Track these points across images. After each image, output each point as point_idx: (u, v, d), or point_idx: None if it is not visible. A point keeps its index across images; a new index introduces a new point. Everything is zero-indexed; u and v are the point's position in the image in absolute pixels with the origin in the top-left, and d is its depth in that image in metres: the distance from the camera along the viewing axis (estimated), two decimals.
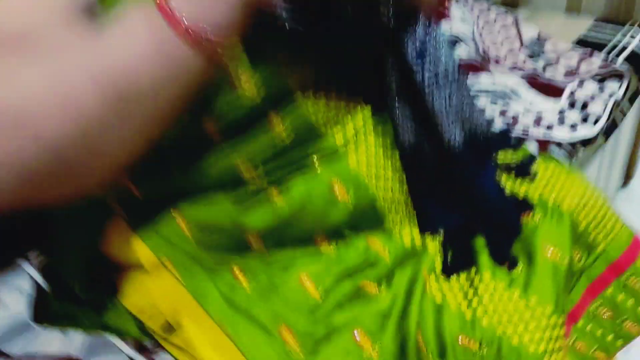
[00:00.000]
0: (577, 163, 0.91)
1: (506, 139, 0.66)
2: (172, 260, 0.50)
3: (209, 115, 0.45)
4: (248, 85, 0.44)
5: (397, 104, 0.55)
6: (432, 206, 0.56)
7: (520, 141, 0.67)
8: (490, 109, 0.95)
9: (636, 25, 1.18)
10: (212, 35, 0.34)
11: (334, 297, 0.51)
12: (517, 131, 0.90)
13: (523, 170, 0.63)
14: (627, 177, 1.40)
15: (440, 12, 0.59)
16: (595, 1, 1.26)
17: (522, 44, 1.14)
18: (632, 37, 1.15)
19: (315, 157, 0.51)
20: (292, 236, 0.52)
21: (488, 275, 0.53)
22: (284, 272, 0.52)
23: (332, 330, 0.49)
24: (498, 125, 0.91)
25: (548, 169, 0.63)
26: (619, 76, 1.03)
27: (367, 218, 0.54)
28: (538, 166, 0.63)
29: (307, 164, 0.51)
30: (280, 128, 0.49)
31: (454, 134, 0.55)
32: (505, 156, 0.64)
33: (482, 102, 0.97)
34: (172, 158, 0.47)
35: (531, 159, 0.64)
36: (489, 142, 0.59)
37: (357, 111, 0.55)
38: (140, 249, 0.50)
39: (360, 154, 0.54)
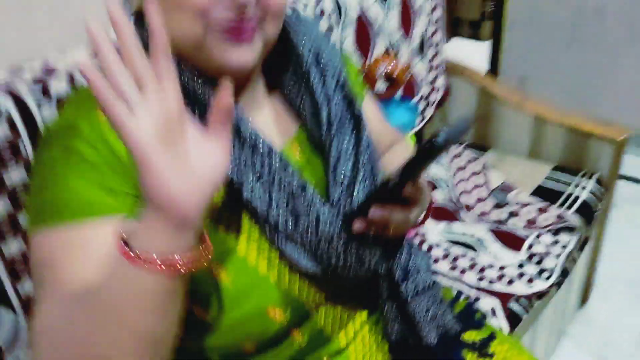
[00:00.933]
0: (534, 311, 1.08)
1: (474, 315, 0.83)
2: None
3: (247, 338, 0.61)
4: (279, 314, 0.61)
5: (386, 310, 0.72)
6: None
7: (484, 317, 0.84)
8: (463, 262, 1.12)
9: (586, 176, 1.39)
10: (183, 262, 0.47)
11: None
12: (484, 287, 1.06)
13: (483, 348, 0.79)
14: (584, 299, 1.58)
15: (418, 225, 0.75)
16: (553, 149, 1.47)
17: (489, 192, 1.33)
18: (583, 188, 1.34)
19: (325, 358, 0.68)
20: None
21: None
22: None
23: None
24: (469, 277, 1.08)
25: (503, 348, 0.80)
26: (571, 229, 1.22)
27: None
28: (495, 347, 0.79)
29: None
30: (300, 339, 0.65)
31: (430, 336, 0.72)
32: (470, 335, 0.80)
33: (455, 251, 1.15)
34: None
35: (490, 338, 0.80)
36: (457, 340, 0.76)
37: (357, 316, 0.71)
38: None
39: (358, 351, 0.71)
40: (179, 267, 0.47)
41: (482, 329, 0.82)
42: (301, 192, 0.62)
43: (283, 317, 0.62)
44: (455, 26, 3.87)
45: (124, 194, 0.56)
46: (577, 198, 1.32)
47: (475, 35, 3.86)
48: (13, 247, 0.72)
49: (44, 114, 0.73)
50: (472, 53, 3.28)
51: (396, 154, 0.87)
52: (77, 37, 0.82)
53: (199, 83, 0.60)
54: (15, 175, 0.71)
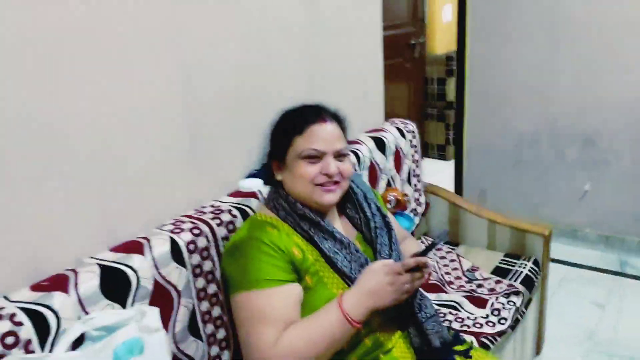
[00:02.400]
0: (496, 345, 1.67)
1: (459, 338, 1.44)
2: None
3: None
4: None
5: (410, 329, 1.32)
6: None
7: (464, 341, 1.44)
8: (450, 317, 1.72)
9: (527, 259, 2.04)
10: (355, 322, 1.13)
11: None
12: (463, 329, 1.66)
13: (467, 354, 1.39)
14: (538, 348, 2.17)
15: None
16: (503, 242, 2.13)
17: (462, 272, 1.97)
18: (525, 267, 1.99)
19: (381, 355, 1.26)
20: None
21: None
22: None
23: None
24: (454, 325, 1.68)
25: (481, 355, 1.39)
26: (518, 292, 1.84)
27: None
28: (474, 354, 1.39)
29: None
30: (368, 343, 1.25)
31: (436, 342, 1.32)
32: (458, 347, 1.40)
33: (444, 310, 1.75)
34: None
35: (470, 347, 1.40)
36: (451, 343, 1.36)
37: (395, 332, 1.31)
38: None
39: (398, 352, 1.29)
40: (359, 325, 1.11)
41: (465, 344, 1.42)
42: (365, 262, 1.26)
43: (362, 331, 1.23)
44: (425, 149, 4.69)
45: (289, 271, 1.19)
46: (521, 273, 1.96)
47: (441, 157, 4.69)
48: (203, 306, 1.32)
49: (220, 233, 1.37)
50: (441, 169, 4.02)
51: (407, 243, 1.52)
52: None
53: (308, 210, 1.26)
54: (207, 265, 1.33)
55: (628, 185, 2.88)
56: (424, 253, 1.21)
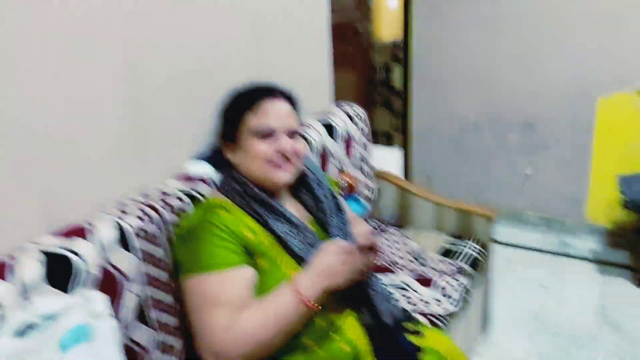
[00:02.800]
0: (444, 324, 1.72)
1: (410, 317, 1.46)
2: None
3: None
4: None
5: (361, 308, 1.34)
6: (382, 350, 1.32)
7: (415, 318, 1.47)
8: (399, 297, 1.76)
9: (472, 240, 2.10)
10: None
11: None
12: (412, 310, 1.70)
13: (417, 332, 1.42)
14: (485, 328, 2.24)
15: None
16: (449, 224, 2.19)
17: (411, 254, 2.01)
18: (470, 248, 2.05)
19: (331, 333, 1.28)
20: None
21: None
22: None
23: None
24: (403, 307, 1.71)
25: (432, 333, 1.43)
26: (464, 272, 1.90)
27: (356, 357, 1.29)
28: (426, 330, 1.42)
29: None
30: (320, 323, 1.25)
31: (387, 319, 1.34)
32: (409, 325, 1.43)
33: (393, 291, 1.78)
34: None
35: (419, 327, 1.43)
36: (403, 321, 1.39)
37: (346, 311, 1.32)
38: None
39: (349, 329, 1.30)
40: (315, 307, 1.11)
41: (415, 323, 1.45)
42: (318, 244, 1.26)
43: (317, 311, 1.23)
44: (373, 136, 4.72)
45: (242, 254, 1.17)
46: (467, 254, 2.02)
47: (389, 143, 4.75)
48: (154, 293, 1.29)
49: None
50: (389, 155, 4.07)
51: (358, 226, 1.54)
52: None
53: (261, 191, 1.25)
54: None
55: (567, 169, 3.00)
56: (374, 233, 1.23)
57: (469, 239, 2.11)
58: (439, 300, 1.75)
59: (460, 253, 2.02)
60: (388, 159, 3.89)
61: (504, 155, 3.17)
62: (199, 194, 1.40)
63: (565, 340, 2.22)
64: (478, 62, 3.08)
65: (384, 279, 1.84)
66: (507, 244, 3.00)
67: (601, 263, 2.78)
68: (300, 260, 1.25)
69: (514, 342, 2.23)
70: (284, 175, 1.27)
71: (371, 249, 1.26)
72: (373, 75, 4.64)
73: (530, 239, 3.06)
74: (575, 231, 3.04)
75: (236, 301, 1.14)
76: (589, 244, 2.95)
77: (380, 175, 2.31)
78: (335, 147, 2.01)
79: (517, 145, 3.11)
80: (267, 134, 1.26)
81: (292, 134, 1.29)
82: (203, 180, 1.45)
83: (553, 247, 2.97)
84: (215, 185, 1.42)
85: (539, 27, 2.87)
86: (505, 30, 2.95)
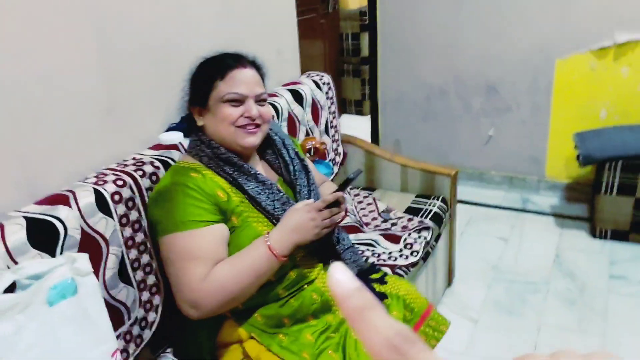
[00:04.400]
0: (410, 275, 1.84)
1: (375, 268, 1.57)
2: (255, 333, 1.32)
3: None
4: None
5: (330, 260, 1.44)
6: None
7: (380, 269, 1.58)
8: (367, 253, 1.86)
9: (436, 198, 2.21)
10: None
11: (321, 340, 1.34)
12: (379, 263, 1.81)
13: (382, 281, 1.53)
14: (449, 280, 2.38)
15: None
16: (415, 184, 2.30)
17: (379, 213, 2.11)
18: (434, 205, 2.17)
19: (305, 285, 1.38)
20: (298, 318, 1.36)
21: None
22: (299, 334, 1.34)
23: (321, 350, 1.32)
24: (371, 260, 1.82)
25: (395, 280, 1.54)
26: (428, 228, 2.01)
27: (326, 306, 1.39)
28: (388, 279, 1.53)
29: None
30: (293, 275, 1.35)
31: (353, 271, 1.45)
32: (374, 276, 1.53)
33: (362, 248, 1.89)
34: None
35: (384, 275, 1.54)
36: (368, 271, 1.49)
37: (317, 264, 1.43)
38: (241, 332, 1.32)
39: (320, 282, 1.41)
40: (284, 260, 1.20)
41: (380, 272, 1.56)
42: (287, 201, 1.35)
43: (287, 264, 1.32)
44: (343, 105, 4.80)
45: (215, 213, 1.26)
46: (431, 211, 2.13)
47: (359, 112, 4.82)
48: (132, 254, 1.37)
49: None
50: (359, 124, 4.15)
51: (325, 186, 1.63)
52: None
53: (231, 154, 1.33)
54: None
55: (527, 130, 3.13)
56: (340, 189, 1.32)
57: (433, 197, 2.23)
58: (404, 254, 1.86)
59: (425, 210, 2.14)
60: (358, 126, 3.98)
61: (468, 119, 3.28)
62: (172, 159, 1.47)
63: (521, 287, 2.38)
64: (443, 28, 3.16)
65: (353, 237, 1.95)
66: (471, 203, 3.13)
67: (560, 217, 2.93)
68: (271, 216, 1.34)
69: (474, 290, 2.37)
70: (252, 139, 1.35)
71: (337, 203, 1.35)
72: (342, 44, 4.68)
73: (493, 196, 3.20)
74: (536, 188, 3.19)
75: (211, 256, 1.22)
76: (549, 200, 3.10)
77: (348, 140, 2.40)
78: (303, 114, 2.08)
79: (480, 108, 3.22)
80: (236, 100, 1.33)
81: (259, 99, 1.37)
82: (175, 147, 1.52)
83: (515, 204, 3.11)
84: (185, 149, 1.49)
85: None
86: None
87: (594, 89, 2.86)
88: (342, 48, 4.68)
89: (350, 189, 2.32)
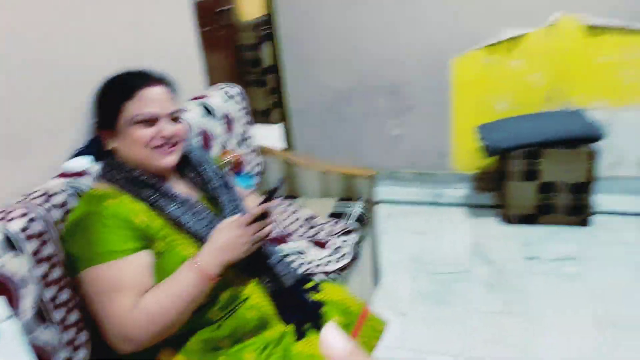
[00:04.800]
0: (341, 278, 1.84)
1: (308, 277, 1.56)
2: (194, 359, 1.25)
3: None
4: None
5: (263, 275, 1.40)
6: (287, 311, 1.39)
7: (312, 277, 1.57)
8: (296, 262, 1.85)
9: (357, 201, 2.24)
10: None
11: (263, 358, 1.30)
12: (311, 271, 1.79)
13: (316, 289, 1.51)
14: (377, 277, 2.42)
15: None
16: (335, 189, 2.31)
17: (303, 221, 2.10)
18: (356, 207, 2.19)
19: (237, 307, 1.33)
20: (236, 338, 1.31)
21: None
22: (240, 354, 1.30)
23: None
24: (302, 269, 1.81)
25: (329, 286, 1.53)
26: (353, 230, 2.03)
27: (263, 322, 1.36)
28: (322, 287, 1.52)
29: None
30: (224, 296, 1.30)
31: (288, 282, 1.42)
32: (308, 285, 1.52)
33: (292, 258, 1.87)
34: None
35: (317, 284, 1.53)
36: (302, 281, 1.47)
37: (250, 281, 1.39)
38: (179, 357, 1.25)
39: (255, 298, 1.37)
40: (216, 280, 1.14)
41: (313, 281, 1.55)
42: (212, 219, 1.30)
43: (219, 284, 1.27)
44: (253, 116, 4.74)
45: (136, 240, 1.18)
46: (354, 213, 2.15)
47: (267, 121, 4.80)
48: (50, 292, 1.26)
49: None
50: (269, 133, 4.13)
51: (249, 200, 1.59)
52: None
53: (147, 176, 1.26)
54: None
55: (431, 127, 3.26)
56: (267, 200, 1.29)
57: (354, 200, 2.25)
58: (333, 259, 1.86)
59: (349, 214, 2.15)
60: (269, 135, 3.95)
61: (375, 120, 3.36)
62: (83, 187, 1.37)
63: (444, 277, 2.47)
64: (343, 34, 3.22)
65: (281, 247, 1.92)
66: (387, 202, 3.21)
67: (471, 206, 3.08)
68: (197, 238, 1.28)
69: (401, 284, 2.43)
70: (170, 159, 1.30)
71: (264, 216, 1.32)
72: (243, 55, 4.64)
73: (407, 193, 3.30)
74: (446, 181, 3.32)
75: (137, 285, 1.15)
76: (460, 192, 3.24)
77: (264, 151, 2.37)
78: (216, 127, 2.03)
79: (385, 109, 3.31)
80: (148, 121, 1.27)
81: (172, 117, 1.31)
82: (85, 173, 1.42)
83: (428, 199, 3.23)
84: (98, 174, 1.40)
85: None
86: (364, 1, 3.11)
87: (490, 83, 3.03)
88: (244, 59, 4.65)
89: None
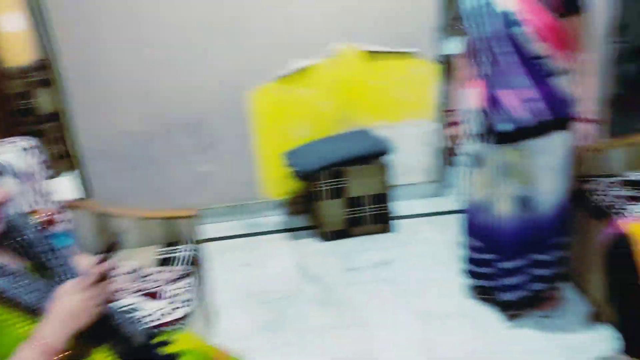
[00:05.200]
0: (185, 324, 1.76)
1: (155, 332, 1.46)
2: None
3: None
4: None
5: (113, 341, 1.29)
6: None
7: (161, 331, 1.48)
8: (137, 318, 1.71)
9: (186, 242, 2.17)
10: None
11: None
12: (155, 324, 1.68)
13: (165, 342, 1.43)
14: (215, 315, 2.36)
15: None
16: (156, 236, 2.20)
17: (129, 275, 1.97)
18: (184, 250, 2.12)
19: None
20: None
21: None
22: None
23: None
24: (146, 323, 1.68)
25: (178, 336, 1.46)
26: (186, 273, 1.95)
27: None
28: (175, 337, 1.44)
29: None
30: None
31: (141, 340, 1.32)
32: (156, 340, 1.42)
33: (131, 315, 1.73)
34: None
35: (167, 337, 1.45)
36: (150, 337, 1.38)
37: (102, 349, 1.25)
38: None
39: None
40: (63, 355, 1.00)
41: (161, 335, 1.46)
42: (46, 288, 1.16)
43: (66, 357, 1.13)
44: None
45: None
46: (183, 256, 2.08)
47: (57, 173, 4.35)
48: None
49: None
50: (61, 184, 3.74)
51: (77, 259, 1.44)
52: None
53: None
54: None
55: (237, 159, 3.32)
56: (106, 257, 1.20)
57: (181, 243, 2.18)
58: (172, 307, 1.78)
59: (178, 257, 2.07)
60: (61, 187, 3.59)
61: (180, 159, 3.29)
62: None
63: (277, 304, 2.52)
64: (134, 75, 3.10)
65: (113, 306, 1.77)
66: (208, 239, 3.15)
67: (289, 230, 3.19)
68: (33, 312, 1.12)
69: (238, 319, 2.42)
70: None
71: (103, 277, 1.22)
72: (13, 104, 4.17)
73: (224, 228, 3.29)
74: (259, 210, 3.40)
75: None
76: (275, 218, 3.34)
77: (71, 205, 2.17)
78: (15, 187, 1.80)
79: (189, 146, 3.27)
80: None
81: None
82: None
83: (246, 230, 3.26)
84: None
85: (183, 37, 3.05)
86: (151, 41, 3.04)
87: (287, 112, 3.20)
88: (14, 109, 4.17)
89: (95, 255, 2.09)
